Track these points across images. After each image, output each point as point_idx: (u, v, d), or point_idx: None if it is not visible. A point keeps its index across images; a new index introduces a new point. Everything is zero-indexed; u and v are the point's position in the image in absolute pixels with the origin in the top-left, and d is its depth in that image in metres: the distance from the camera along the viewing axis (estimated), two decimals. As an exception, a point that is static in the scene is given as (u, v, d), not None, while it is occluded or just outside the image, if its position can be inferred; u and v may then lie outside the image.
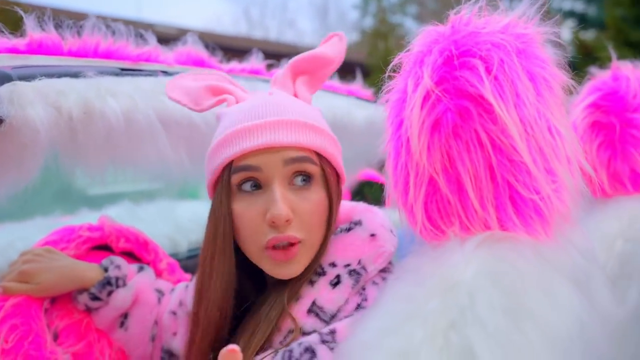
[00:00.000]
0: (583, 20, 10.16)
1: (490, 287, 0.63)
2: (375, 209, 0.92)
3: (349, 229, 0.86)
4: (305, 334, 0.78)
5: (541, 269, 0.67)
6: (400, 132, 0.74)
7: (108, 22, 1.10)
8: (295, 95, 0.92)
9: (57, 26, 1.03)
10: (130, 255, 1.24)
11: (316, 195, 0.83)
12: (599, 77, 1.33)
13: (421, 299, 0.64)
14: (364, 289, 0.82)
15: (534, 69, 0.72)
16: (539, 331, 0.63)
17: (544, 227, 0.70)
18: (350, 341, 0.66)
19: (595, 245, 1.18)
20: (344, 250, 0.83)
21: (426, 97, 0.70)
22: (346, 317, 0.78)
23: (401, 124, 0.74)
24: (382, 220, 0.88)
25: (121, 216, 1.52)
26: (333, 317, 0.79)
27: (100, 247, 1.21)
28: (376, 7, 21.84)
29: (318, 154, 0.84)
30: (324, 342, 0.74)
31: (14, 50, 0.93)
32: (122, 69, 1.03)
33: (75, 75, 0.90)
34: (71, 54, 1.04)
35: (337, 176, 0.90)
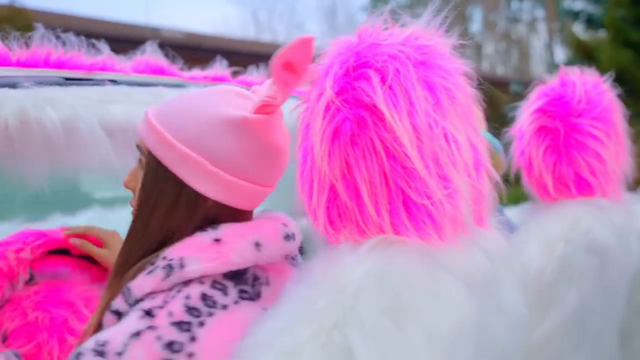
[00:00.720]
0: (591, 21, 10.10)
1: (375, 289, 0.66)
2: (266, 221, 0.90)
3: (204, 230, 0.85)
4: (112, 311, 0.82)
5: (429, 271, 0.70)
6: (307, 139, 0.77)
7: (58, 33, 1.14)
8: None
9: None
10: (89, 259, 1.28)
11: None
12: (548, 82, 1.35)
13: (312, 300, 0.67)
14: (185, 287, 0.80)
15: (433, 78, 0.75)
16: (421, 330, 0.66)
17: (437, 231, 0.72)
18: (246, 340, 0.69)
19: (535, 248, 1.21)
20: (181, 247, 0.82)
21: (327, 107, 0.73)
22: (166, 309, 0.77)
23: (308, 132, 0.77)
24: (253, 231, 0.86)
25: (93, 221, 1.56)
26: (137, 301, 0.79)
27: (60, 251, 1.25)
28: (383, 9, 21.76)
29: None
30: (136, 333, 0.75)
31: (-41, 63, 0.97)
32: (67, 79, 1.06)
33: (13, 85, 0.94)
34: (19, 64, 1.08)
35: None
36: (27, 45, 1.10)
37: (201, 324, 0.77)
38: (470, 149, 0.78)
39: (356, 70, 0.73)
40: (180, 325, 0.76)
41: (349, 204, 0.72)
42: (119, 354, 0.73)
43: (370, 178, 0.71)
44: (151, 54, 1.38)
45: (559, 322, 1.19)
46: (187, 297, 0.79)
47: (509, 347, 0.83)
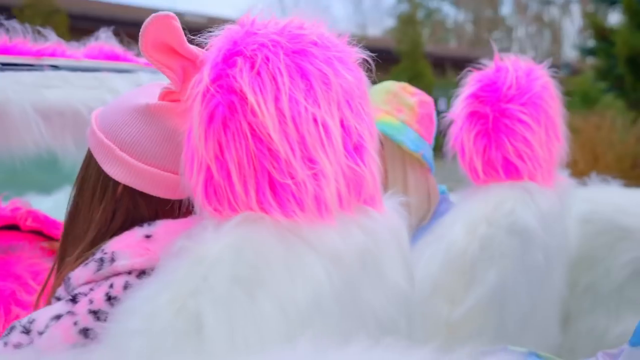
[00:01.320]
0: (613, 3, 9.86)
1: (230, 260, 0.71)
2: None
3: (142, 226, 0.89)
4: (56, 298, 0.86)
5: (288, 246, 0.74)
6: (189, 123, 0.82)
7: (1, 21, 1.20)
8: None
9: None
10: (39, 234, 1.35)
11: None
12: (485, 68, 1.38)
13: (174, 271, 0.72)
14: (112, 278, 0.84)
15: (307, 66, 0.79)
16: (273, 300, 0.71)
17: (300, 209, 0.77)
18: (120, 307, 0.75)
19: (459, 229, 1.25)
20: (116, 241, 0.86)
21: (204, 92, 0.78)
22: (88, 298, 0.82)
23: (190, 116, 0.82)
24: (186, 228, 0.85)
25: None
26: (74, 293, 0.83)
27: (9, 227, 1.33)
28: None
29: None
30: (57, 316, 0.81)
31: None
32: (3, 64, 1.12)
33: (-58, 69, 1.01)
34: (-38, 51, 1.15)
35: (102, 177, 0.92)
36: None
37: None
38: (344, 134, 0.82)
39: (230, 57, 0.78)
40: (96, 313, 0.81)
41: (221, 183, 0.77)
42: (40, 333, 0.80)
43: (239, 159, 0.76)
44: (105, 40, 1.44)
45: (479, 300, 1.23)
46: (111, 287, 0.83)
47: (389, 318, 0.88)
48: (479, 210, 1.26)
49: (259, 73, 0.76)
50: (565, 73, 11.90)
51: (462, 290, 1.24)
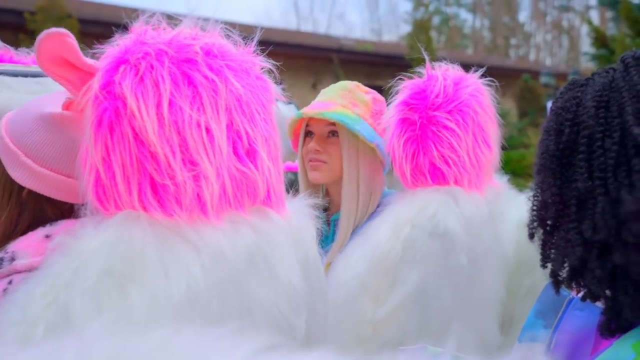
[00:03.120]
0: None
1: (105, 254, 0.75)
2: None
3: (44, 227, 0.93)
4: None
5: (164, 243, 0.78)
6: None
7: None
8: None
9: None
10: None
11: None
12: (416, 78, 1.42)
13: (50, 265, 0.77)
14: (10, 275, 0.87)
15: (195, 75, 0.84)
16: (144, 293, 0.75)
17: (180, 208, 0.81)
18: (7, 298, 0.80)
19: (385, 231, 1.28)
20: (19, 241, 0.90)
21: (94, 99, 0.82)
22: None
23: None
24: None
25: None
26: None
27: None
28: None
29: None
30: None
31: None
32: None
33: None
34: None
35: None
36: None
37: None
38: (233, 138, 0.86)
39: (117, 65, 0.83)
40: None
41: (107, 184, 0.82)
42: None
43: (122, 161, 0.80)
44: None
45: (401, 300, 1.26)
46: (9, 283, 0.88)
47: (282, 317, 0.91)
48: (404, 213, 1.29)
49: (141, 80, 0.81)
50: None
51: (386, 290, 1.27)
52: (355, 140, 1.47)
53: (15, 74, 1.31)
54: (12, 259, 0.88)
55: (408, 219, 1.28)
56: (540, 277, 1.56)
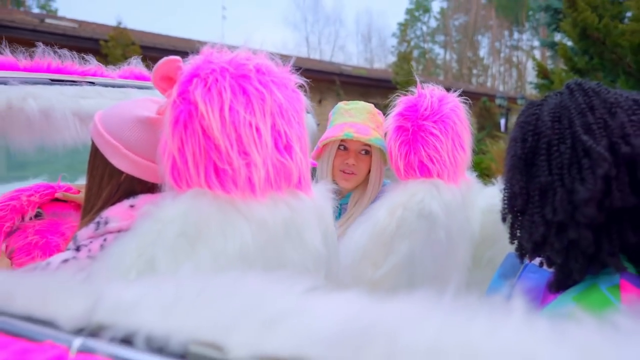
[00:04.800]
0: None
1: (180, 220, 0.77)
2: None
3: (128, 199, 0.95)
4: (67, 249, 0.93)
5: (223, 213, 0.80)
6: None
7: (55, 49, 1.27)
8: None
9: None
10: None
11: None
12: (410, 94, 1.42)
13: (140, 228, 0.79)
14: (105, 235, 0.90)
15: (248, 87, 0.85)
16: (208, 250, 0.77)
17: (236, 187, 0.83)
18: (105, 250, 0.82)
19: (383, 212, 1.29)
20: (110, 210, 0.92)
21: (173, 103, 0.84)
22: (88, 248, 0.89)
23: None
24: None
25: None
26: (78, 245, 0.90)
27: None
28: (408, 36, 21.36)
29: None
30: (65, 260, 0.87)
31: (-27, 68, 1.12)
32: (53, 80, 1.20)
33: (5, 83, 1.09)
34: (26, 69, 1.23)
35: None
36: (31, 57, 1.24)
37: None
38: (275, 135, 0.88)
39: (191, 78, 0.84)
40: (92, 258, 0.89)
41: (181, 168, 0.84)
42: (47, 264, 0.88)
43: (193, 151, 0.82)
44: (135, 65, 1.51)
45: (394, 264, 1.27)
46: (105, 240, 0.90)
47: (308, 272, 0.93)
48: (398, 199, 1.30)
49: (209, 90, 0.82)
50: (522, 103, 11.83)
51: (382, 257, 1.28)
52: (381, 156, 1.54)
53: (105, 85, 1.32)
54: (106, 223, 0.90)
55: (401, 203, 1.29)
56: (498, 251, 1.58)
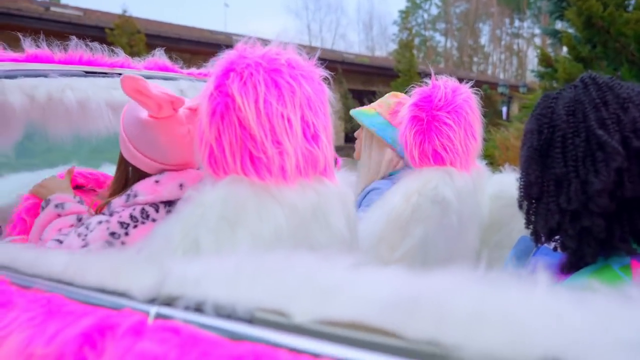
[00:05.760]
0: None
1: (220, 205, 0.82)
2: (191, 172, 1.09)
3: (154, 175, 1.06)
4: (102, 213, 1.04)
5: (259, 197, 0.85)
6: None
7: (87, 42, 1.32)
8: None
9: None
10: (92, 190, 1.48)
11: None
12: (425, 86, 1.46)
13: (183, 211, 0.84)
14: (134, 205, 1.02)
15: (279, 80, 0.90)
16: (247, 232, 0.82)
17: (270, 174, 0.87)
18: (153, 231, 0.87)
19: (399, 198, 1.34)
20: (139, 185, 1.03)
21: (210, 95, 0.89)
22: (119, 214, 1.00)
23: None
24: (181, 177, 1.06)
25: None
26: (112, 211, 1.02)
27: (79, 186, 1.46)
28: (409, 23, 21.22)
29: None
30: (100, 222, 0.99)
31: (14, 60, 1.16)
32: (86, 72, 1.25)
33: (45, 75, 1.13)
34: (60, 62, 1.27)
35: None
36: (65, 50, 1.28)
37: (135, 226, 0.97)
38: (304, 126, 0.92)
39: (227, 72, 0.89)
40: (122, 224, 0.97)
41: (218, 156, 0.88)
42: (91, 230, 0.98)
43: (230, 140, 0.87)
44: (159, 56, 1.56)
45: (410, 248, 1.33)
46: (134, 209, 1.00)
47: (331, 245, 0.98)
48: (413, 185, 1.35)
49: (244, 83, 0.87)
50: (524, 91, 11.75)
51: (398, 240, 1.33)
52: (370, 136, 1.60)
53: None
54: (135, 195, 1.01)
55: (416, 189, 1.33)
56: (505, 234, 1.64)
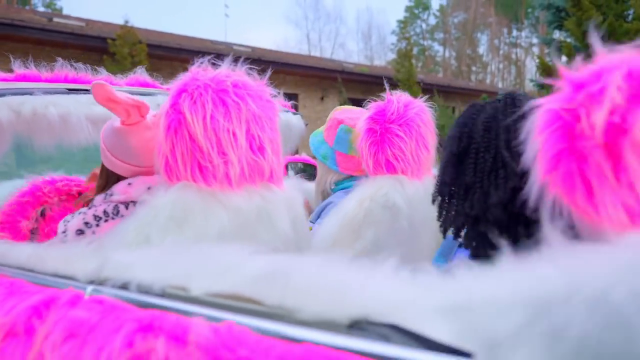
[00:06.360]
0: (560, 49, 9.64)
1: (170, 207, 0.92)
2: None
3: (128, 178, 1.18)
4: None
5: (205, 201, 0.95)
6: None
7: (72, 63, 1.43)
8: None
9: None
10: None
11: None
12: (381, 100, 1.56)
13: (138, 213, 0.95)
14: (109, 202, 1.15)
15: (226, 99, 1.00)
16: (193, 232, 0.92)
17: (216, 181, 0.98)
18: (113, 228, 0.98)
19: (353, 202, 1.44)
20: (116, 187, 1.16)
21: (166, 113, 0.99)
22: (96, 209, 1.13)
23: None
24: (149, 181, 1.17)
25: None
26: (91, 206, 1.15)
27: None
28: (408, 33, 21.28)
29: None
30: (80, 212, 1.12)
31: (4, 79, 1.28)
32: (69, 89, 1.36)
33: (31, 93, 1.25)
34: (47, 80, 1.39)
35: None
36: (52, 70, 1.40)
37: (106, 220, 1.09)
38: (250, 139, 1.03)
39: (180, 93, 1.00)
40: (96, 217, 1.10)
41: (172, 165, 0.99)
42: (73, 218, 1.12)
43: (182, 151, 0.97)
44: (140, 74, 1.67)
45: (361, 250, 1.42)
46: (108, 206, 1.12)
47: (274, 247, 1.07)
48: (367, 192, 1.44)
49: (194, 102, 0.97)
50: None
51: (351, 242, 1.42)
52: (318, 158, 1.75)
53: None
54: (112, 194, 1.14)
55: (369, 195, 1.42)
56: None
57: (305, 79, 13.61)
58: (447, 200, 0.97)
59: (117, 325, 0.53)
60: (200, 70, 1.04)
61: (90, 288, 0.63)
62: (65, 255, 0.71)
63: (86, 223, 1.10)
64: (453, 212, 0.92)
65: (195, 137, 0.96)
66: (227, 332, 0.48)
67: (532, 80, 8.72)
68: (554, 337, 0.38)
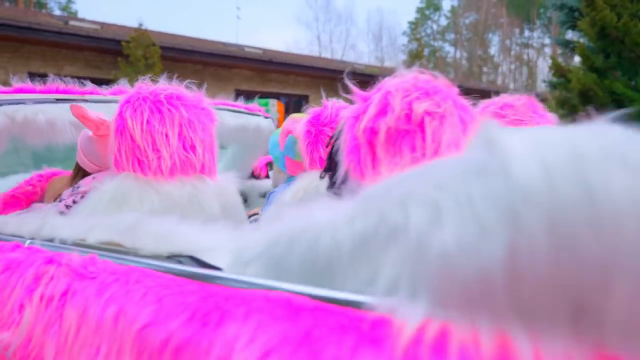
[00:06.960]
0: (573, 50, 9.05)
1: (111, 192, 1.14)
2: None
3: (93, 174, 1.41)
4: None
5: (141, 188, 1.17)
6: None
7: (63, 79, 1.67)
8: None
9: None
10: None
11: None
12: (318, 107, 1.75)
13: (89, 197, 1.18)
14: (77, 193, 1.35)
15: (162, 107, 1.22)
16: (130, 211, 1.14)
17: (151, 172, 1.19)
18: (74, 208, 1.21)
19: (289, 194, 1.63)
20: (83, 180, 1.37)
21: (115, 119, 1.22)
22: (66, 200, 1.34)
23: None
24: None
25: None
26: (61, 199, 1.36)
27: None
28: (418, 34, 21.13)
29: None
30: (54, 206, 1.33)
31: (3, 92, 1.53)
32: (57, 99, 1.60)
33: (24, 102, 1.49)
34: (40, 92, 1.63)
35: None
36: (44, 83, 1.64)
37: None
38: (182, 139, 1.24)
39: (125, 103, 1.22)
40: (67, 206, 1.31)
41: (119, 160, 1.21)
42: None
43: (125, 149, 1.19)
44: (122, 85, 1.90)
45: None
46: (75, 196, 1.33)
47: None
48: (301, 184, 1.63)
49: (135, 110, 1.20)
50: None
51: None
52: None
53: (96, 101, 1.71)
54: (78, 187, 1.34)
55: (302, 187, 1.61)
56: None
57: (318, 80, 13.68)
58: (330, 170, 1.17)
59: (33, 260, 0.77)
60: (143, 85, 1.26)
61: (28, 241, 0.87)
62: (20, 220, 0.95)
63: (61, 212, 1.33)
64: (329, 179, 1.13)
65: (135, 138, 1.18)
66: (89, 260, 0.72)
67: (545, 81, 8.44)
68: (273, 259, 0.59)
